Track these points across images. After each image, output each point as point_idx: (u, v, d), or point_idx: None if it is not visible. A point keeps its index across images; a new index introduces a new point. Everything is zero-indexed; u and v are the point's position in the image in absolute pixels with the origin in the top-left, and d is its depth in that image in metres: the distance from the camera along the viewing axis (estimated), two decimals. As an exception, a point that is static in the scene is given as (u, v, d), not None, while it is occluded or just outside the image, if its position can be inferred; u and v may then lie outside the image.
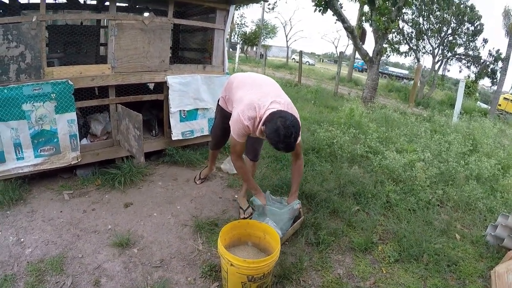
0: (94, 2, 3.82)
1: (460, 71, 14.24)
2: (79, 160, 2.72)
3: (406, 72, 34.84)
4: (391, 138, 4.76)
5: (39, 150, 2.57)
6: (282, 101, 2.02)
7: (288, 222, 2.25)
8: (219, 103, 2.51)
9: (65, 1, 3.56)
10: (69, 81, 2.55)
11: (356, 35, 7.75)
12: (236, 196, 2.83)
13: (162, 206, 2.60)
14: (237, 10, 22.23)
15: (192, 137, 3.39)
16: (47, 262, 1.89)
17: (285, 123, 1.81)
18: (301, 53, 11.41)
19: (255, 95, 2.03)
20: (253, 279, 1.60)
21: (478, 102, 14.86)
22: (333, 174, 3.33)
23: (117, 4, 2.83)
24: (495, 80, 12.66)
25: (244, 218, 2.48)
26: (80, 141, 2.76)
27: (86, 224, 2.29)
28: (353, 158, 3.89)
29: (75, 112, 2.64)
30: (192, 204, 2.67)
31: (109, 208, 2.49)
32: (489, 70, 13.01)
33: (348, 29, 7.62)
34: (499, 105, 12.66)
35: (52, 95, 2.51)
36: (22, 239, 2.08)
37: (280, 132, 1.80)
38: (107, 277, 1.86)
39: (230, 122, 2.09)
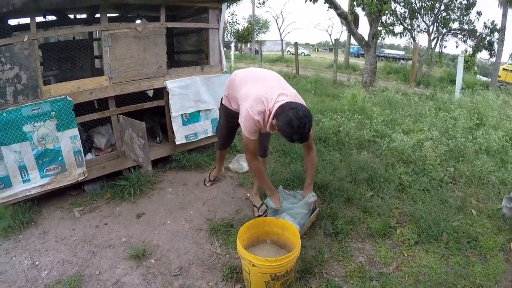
0: (84, 16, 3.80)
1: (457, 46, 14.13)
2: (85, 175, 2.70)
3: (402, 52, 34.55)
4: (396, 120, 4.73)
5: (44, 170, 2.55)
6: (288, 93, 2.01)
7: (305, 216, 2.23)
8: (222, 102, 2.48)
9: (56, 18, 3.54)
10: (67, 97, 2.53)
11: (350, 20, 7.67)
12: (248, 195, 2.81)
13: (175, 212, 2.58)
14: (227, 8, 22.17)
15: (196, 139, 3.37)
16: (65, 283, 1.88)
17: (298, 114, 1.80)
18: (296, 45, 11.34)
19: (261, 89, 2.01)
20: (277, 277, 1.58)
21: (478, 75, 14.72)
22: (343, 162, 3.30)
23: (108, 15, 2.81)
24: (493, 52, 12.50)
25: (259, 215, 2.46)
26: (85, 156, 2.75)
27: (100, 239, 2.27)
28: (360, 144, 3.85)
29: (77, 128, 2.62)
30: (205, 208, 2.66)
31: (122, 220, 2.48)
32: (486, 42, 12.83)
33: (342, 15, 7.55)
34: (499, 76, 12.53)
35: (52, 113, 2.49)
36: (37, 262, 2.07)
37: (294, 123, 1.79)
38: (127, 290, 1.84)
39: (240, 120, 2.06)
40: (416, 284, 1.87)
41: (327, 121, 4.29)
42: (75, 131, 2.62)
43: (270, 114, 1.94)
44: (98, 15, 2.73)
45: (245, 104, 1.99)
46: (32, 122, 2.44)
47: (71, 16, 3.65)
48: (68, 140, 2.61)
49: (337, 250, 2.11)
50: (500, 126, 4.43)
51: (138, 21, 3.82)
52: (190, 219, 2.50)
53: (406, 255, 2.11)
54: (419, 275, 1.94)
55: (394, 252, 2.13)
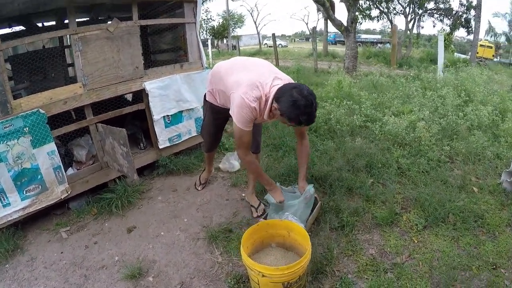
0: (53, 23, 3.56)
1: (434, 26, 14.35)
2: (68, 192, 2.51)
3: (378, 36, 35.05)
4: (384, 103, 4.69)
5: (24, 192, 2.34)
6: (283, 77, 1.90)
7: (305, 210, 2.12)
8: (206, 99, 2.30)
9: (23, 28, 3.30)
10: (40, 110, 2.32)
11: (328, 6, 7.59)
12: (243, 195, 2.68)
13: (168, 222, 2.43)
14: (203, 3, 21.75)
15: (180, 141, 3.22)
16: None
17: (302, 93, 1.67)
18: (273, 36, 11.21)
19: (253, 75, 1.86)
20: (289, 284, 1.47)
21: (455, 53, 15.01)
22: (339, 150, 3.21)
23: (78, 20, 2.61)
24: (470, 29, 12.73)
25: (258, 216, 2.34)
26: (65, 171, 2.56)
27: (91, 260, 2.09)
28: (352, 130, 3.79)
29: (53, 142, 2.42)
30: (199, 214, 2.51)
31: (112, 237, 2.30)
32: (463, 20, 13.06)
33: (319, 1, 7.46)
34: (477, 52, 12.78)
35: (25, 129, 2.28)
36: None
37: (300, 103, 1.65)
38: (126, 314, 1.70)
39: (231, 111, 1.87)
40: (431, 271, 1.81)
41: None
42: (52, 146, 2.42)
43: (267, 100, 1.79)
44: (67, 21, 2.53)
45: (238, 91, 1.81)
46: (5, 141, 2.22)
47: (40, 25, 3.42)
48: (46, 157, 2.40)
49: (345, 244, 2.02)
50: (488, 101, 4.46)
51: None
52: (185, 228, 2.35)
53: (416, 241, 2.05)
54: (433, 260, 1.89)
55: (404, 240, 2.06)
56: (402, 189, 2.60)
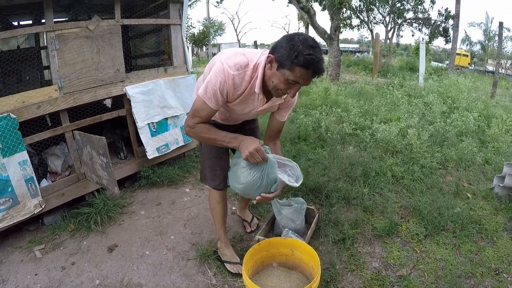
0: (30, 22, 3.35)
1: (412, 35, 15.00)
2: (42, 206, 2.30)
3: (356, 46, 36.11)
4: (371, 110, 4.73)
5: (-7, 206, 2.13)
6: None
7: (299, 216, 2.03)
8: None
9: None
10: (10, 114, 2.12)
11: (313, 14, 7.68)
12: (234, 208, 2.56)
13: (153, 240, 2.25)
14: (189, 4, 21.61)
15: (169, 151, 3.06)
16: None
17: (303, 34, 1.33)
18: (255, 43, 11.25)
19: (242, 49, 1.55)
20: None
21: (432, 62, 15.64)
22: (331, 160, 3.16)
23: (56, 19, 2.44)
24: (448, 38, 13.30)
25: (252, 231, 2.23)
26: (39, 183, 2.35)
27: (69, 284, 1.88)
28: (342, 138, 3.77)
29: (26, 151, 2.22)
30: (187, 230, 2.36)
31: (92, 257, 2.10)
32: (441, 29, 13.62)
33: (304, 8, 7.53)
34: (453, 61, 13.36)
35: (-7, 135, 2.08)
36: None
37: (300, 37, 1.29)
38: None
39: (206, 78, 1.46)
40: (437, 281, 1.78)
41: (304, 118, 4.17)
42: (24, 155, 2.21)
43: (256, 67, 1.41)
44: (44, 20, 2.36)
45: (219, 58, 1.46)
46: None
47: (15, 24, 3.20)
48: (17, 167, 2.18)
49: (347, 258, 1.94)
50: (473, 108, 4.60)
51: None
52: (173, 246, 2.18)
53: (419, 251, 2.01)
54: (437, 270, 1.86)
55: (407, 251, 2.02)
56: (398, 198, 2.59)
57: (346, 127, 3.94)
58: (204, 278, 1.89)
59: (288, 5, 7.82)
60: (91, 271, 1.99)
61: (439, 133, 3.72)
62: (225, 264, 1.93)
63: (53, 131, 2.41)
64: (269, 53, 1.36)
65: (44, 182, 2.46)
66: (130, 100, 2.72)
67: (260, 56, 1.42)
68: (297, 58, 1.26)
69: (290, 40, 1.30)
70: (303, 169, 2.95)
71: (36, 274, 1.97)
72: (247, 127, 1.90)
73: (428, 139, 3.49)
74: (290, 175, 1.55)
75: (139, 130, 2.82)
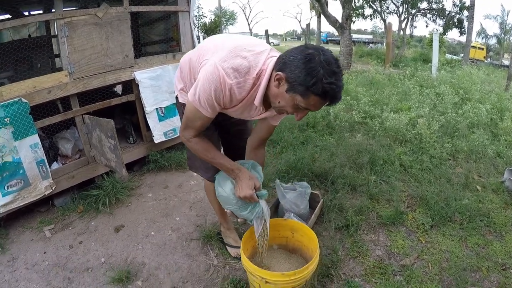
0: (40, 12, 3.35)
1: (426, 26, 14.36)
2: (53, 188, 2.32)
3: (370, 36, 35.24)
4: (381, 99, 4.60)
5: (6, 187, 2.14)
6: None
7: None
8: (179, 101, 1.55)
9: (9, 16, 3.09)
10: (22, 99, 2.13)
11: (323, 2, 7.47)
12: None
13: (159, 221, 2.25)
14: None
15: (176, 135, 3.04)
16: None
17: (323, 50, 1.06)
18: (267, 32, 11.07)
19: (241, 41, 1.22)
20: (295, 290, 1.32)
21: (446, 54, 15.10)
22: (339, 146, 3.08)
23: (66, 9, 2.41)
24: (463, 29, 12.76)
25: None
26: (50, 166, 2.37)
27: (76, 262, 1.91)
28: (351, 126, 3.68)
29: (37, 134, 2.23)
30: (193, 212, 2.35)
31: (98, 236, 2.12)
32: (455, 20, 13.06)
33: (315, -4, 7.33)
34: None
35: (5, 119, 2.08)
36: None
37: (320, 58, 1.01)
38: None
39: (194, 85, 1.20)
40: (441, 273, 1.71)
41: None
42: (35, 138, 2.23)
43: (260, 76, 1.14)
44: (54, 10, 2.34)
45: (212, 58, 1.16)
46: None
47: (26, 14, 3.21)
48: (28, 150, 2.21)
49: (350, 245, 1.89)
50: (485, 100, 4.41)
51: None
52: (177, 227, 2.18)
53: (424, 241, 1.94)
54: (442, 262, 1.79)
55: (411, 240, 1.94)
56: (405, 187, 2.51)
57: (355, 115, 3.84)
58: (206, 259, 1.88)
59: (300, -6, 7.59)
60: (97, 250, 2.01)
61: (450, 124, 3.57)
62: (227, 247, 1.90)
63: (64, 115, 2.41)
64: (278, 68, 1.09)
65: (55, 165, 2.48)
66: (138, 85, 2.70)
67: (265, 60, 1.15)
68: (315, 85, 1.01)
69: (309, 61, 1.02)
70: (309, 155, 2.90)
71: (44, 252, 2.01)
72: (240, 125, 1.68)
73: (438, 129, 3.36)
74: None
75: (147, 115, 2.80)
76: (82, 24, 2.31)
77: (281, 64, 1.09)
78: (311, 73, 1.01)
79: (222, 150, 1.78)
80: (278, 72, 1.08)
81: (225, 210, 1.48)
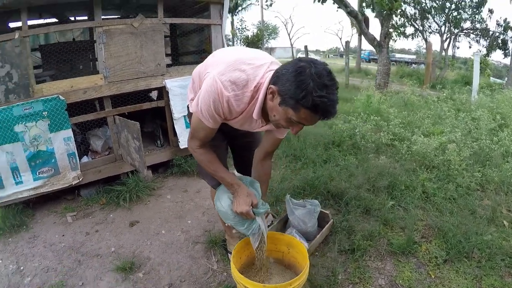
0: (85, 18, 3.62)
1: (470, 47, 13.36)
2: (80, 179, 2.47)
3: (413, 57, 33.77)
4: (414, 122, 4.35)
5: (37, 173, 2.35)
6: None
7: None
8: (190, 111, 1.54)
9: (56, 20, 3.36)
10: (60, 96, 2.31)
11: (361, 19, 7.29)
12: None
13: (171, 222, 2.31)
14: (235, 15, 21.92)
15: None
16: None
17: (315, 62, 1.04)
18: (306, 48, 11.02)
19: (242, 54, 1.22)
20: (278, 307, 1.26)
21: (491, 77, 13.96)
22: (360, 167, 2.95)
23: (109, 16, 2.58)
24: (507, 51, 11.78)
25: None
26: (80, 159, 2.52)
27: (89, 247, 2.05)
28: (378, 148, 3.50)
29: (70, 129, 2.40)
30: (205, 217, 2.37)
31: (114, 228, 2.23)
32: (500, 41, 12.08)
33: (352, 13, 7.17)
34: (512, 76, 11.81)
35: (44, 113, 2.29)
36: (22, 267, 1.90)
37: (311, 71, 0.99)
38: (109, 307, 1.60)
39: (197, 97, 1.23)
40: (447, 314, 1.53)
41: (340, 124, 3.96)
42: (69, 132, 2.41)
43: (258, 89, 1.14)
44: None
45: (212, 71, 1.17)
46: (24, 122, 2.25)
47: (72, 19, 3.48)
48: (62, 142, 2.39)
49: (353, 270, 1.77)
50: (526, 127, 4.00)
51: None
52: (187, 230, 2.21)
53: (433, 276, 1.76)
54: (450, 302, 1.61)
55: (420, 273, 1.78)
56: (425, 216, 2.31)
57: (383, 136, 3.66)
58: (207, 262, 1.90)
59: (337, 10, 7.48)
60: (110, 240, 2.12)
61: (483, 151, 3.28)
62: (228, 254, 1.89)
63: (97, 114, 2.56)
64: (272, 82, 1.08)
65: (85, 159, 2.63)
66: (168, 93, 2.80)
67: (264, 74, 1.14)
68: (304, 99, 0.98)
69: (299, 74, 1.00)
70: (328, 174, 2.80)
71: (63, 235, 2.17)
72: (248, 137, 1.66)
73: (469, 156, 3.10)
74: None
75: (174, 121, 2.89)
76: (119, 33, 2.45)
77: (275, 78, 1.08)
78: (301, 86, 0.99)
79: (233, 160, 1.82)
80: (271, 86, 1.08)
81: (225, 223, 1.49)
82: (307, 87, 0.98)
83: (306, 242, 1.80)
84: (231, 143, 1.71)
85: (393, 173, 2.76)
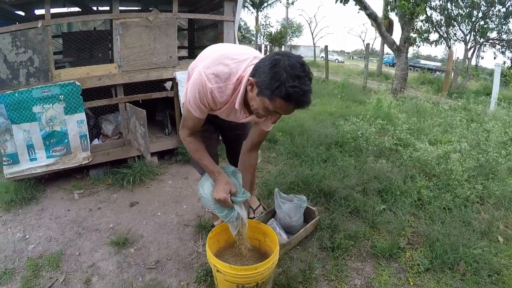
0: (107, 8, 3.71)
1: (494, 58, 12.55)
2: (89, 160, 2.57)
3: (438, 64, 32.35)
4: (423, 129, 4.19)
5: (51, 151, 2.47)
6: None
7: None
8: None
9: (79, 9, 3.47)
10: (76, 82, 2.41)
11: (381, 22, 7.03)
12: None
13: (168, 205, 2.37)
14: (261, 11, 21.69)
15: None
16: (46, 258, 1.82)
17: (292, 58, 1.07)
18: (326, 48, 10.81)
19: (227, 50, 1.28)
20: (244, 289, 1.27)
21: (516, 90, 13.10)
22: (357, 169, 2.89)
23: (130, 8, 2.64)
24: (532, 64, 11.00)
25: (254, 217, 2.01)
26: (91, 141, 2.62)
27: (90, 222, 2.16)
28: (380, 151, 3.40)
29: (84, 113, 2.50)
30: (199, 204, 2.40)
31: (115, 207, 2.33)
32: (525, 53, 11.27)
33: (371, 16, 6.93)
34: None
35: (60, 96, 2.39)
36: (27, 236, 2.03)
37: (285, 63, 1.04)
38: (99, 276, 1.71)
39: (186, 87, 1.33)
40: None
41: (347, 126, 3.88)
42: (82, 116, 2.50)
43: (240, 82, 1.19)
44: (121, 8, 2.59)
45: (199, 65, 1.24)
46: (42, 104, 2.36)
47: (94, 8, 3.57)
48: (75, 124, 2.50)
49: (331, 267, 1.75)
50: (539, 143, 3.76)
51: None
52: (181, 214, 2.27)
53: (412, 283, 1.71)
54: (424, 311, 1.55)
55: (398, 279, 1.73)
56: (415, 223, 2.23)
57: (387, 140, 3.55)
58: (194, 245, 1.96)
59: (358, 12, 7.26)
60: (110, 217, 2.22)
61: (489, 164, 3.12)
62: None
63: (109, 100, 2.64)
64: (251, 74, 1.13)
65: (96, 141, 2.73)
66: (178, 84, 2.84)
67: (246, 67, 1.19)
68: (278, 89, 1.03)
69: (274, 66, 1.05)
70: (324, 173, 2.76)
71: (68, 210, 2.29)
72: (238, 130, 1.71)
73: (473, 168, 2.96)
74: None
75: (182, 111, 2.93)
76: (134, 25, 2.51)
77: (254, 70, 1.14)
78: (275, 77, 1.04)
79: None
80: (249, 78, 1.14)
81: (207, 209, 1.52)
82: (281, 78, 1.03)
83: (285, 234, 1.79)
84: (222, 135, 1.80)
85: (389, 178, 2.67)
